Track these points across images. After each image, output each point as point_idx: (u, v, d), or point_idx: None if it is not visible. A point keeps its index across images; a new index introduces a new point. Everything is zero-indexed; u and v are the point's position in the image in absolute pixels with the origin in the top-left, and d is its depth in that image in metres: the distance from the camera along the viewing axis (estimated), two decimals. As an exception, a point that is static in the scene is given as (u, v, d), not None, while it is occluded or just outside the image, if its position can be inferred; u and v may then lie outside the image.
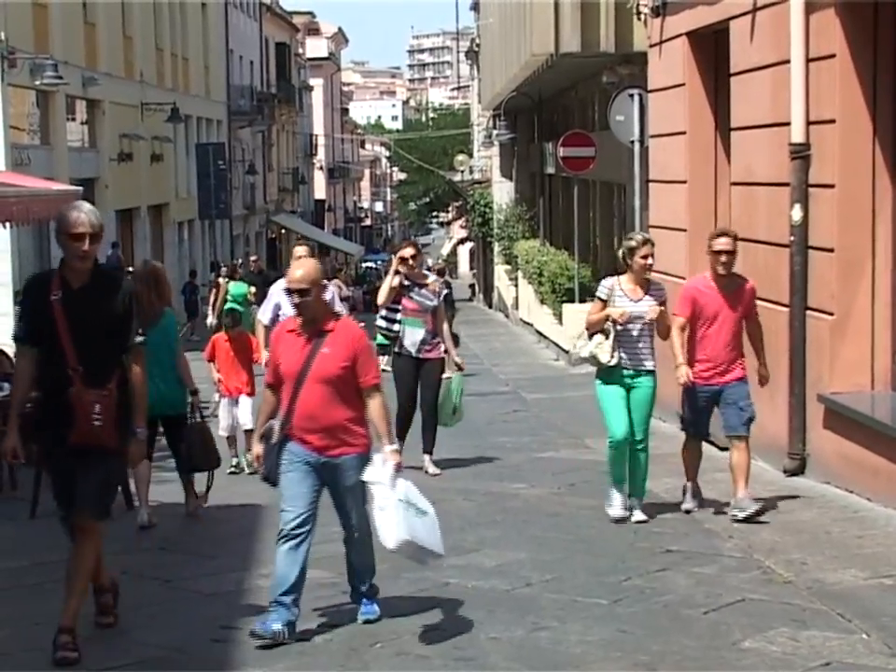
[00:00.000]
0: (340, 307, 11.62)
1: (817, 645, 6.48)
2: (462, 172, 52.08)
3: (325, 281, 7.10)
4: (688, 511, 9.56)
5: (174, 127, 34.75)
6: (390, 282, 11.56)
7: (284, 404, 6.81)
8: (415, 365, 11.57)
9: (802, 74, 10.47)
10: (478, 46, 44.59)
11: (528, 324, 29.28)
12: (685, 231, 13.77)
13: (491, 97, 35.27)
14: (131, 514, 10.00)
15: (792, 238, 10.64)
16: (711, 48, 13.33)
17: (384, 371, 25.11)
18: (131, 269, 22.82)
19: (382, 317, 11.78)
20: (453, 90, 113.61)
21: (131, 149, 31.55)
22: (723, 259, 9.22)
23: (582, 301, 22.57)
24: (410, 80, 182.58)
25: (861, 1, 9.89)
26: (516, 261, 31.07)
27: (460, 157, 54.03)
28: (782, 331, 10.63)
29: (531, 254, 27.82)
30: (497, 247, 37.12)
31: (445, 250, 66.92)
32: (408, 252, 11.55)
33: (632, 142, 18.09)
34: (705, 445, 12.42)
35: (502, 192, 38.05)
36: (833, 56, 10.05)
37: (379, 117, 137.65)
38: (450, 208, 69.98)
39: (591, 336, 9.31)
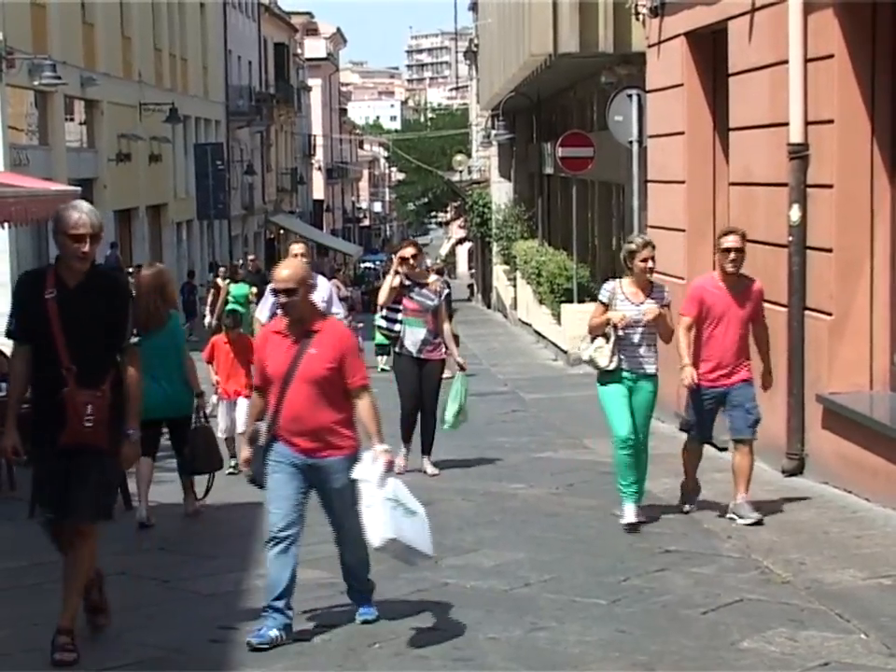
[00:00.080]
0: (338, 307, 11.63)
1: (815, 645, 6.48)
2: (461, 172, 52.09)
3: (311, 280, 7.00)
4: (686, 511, 9.54)
5: (172, 127, 34.77)
6: (390, 282, 11.51)
7: (271, 406, 6.76)
8: (417, 365, 11.52)
9: (800, 74, 10.48)
10: (476, 46, 44.61)
11: (527, 324, 29.29)
12: (683, 231, 13.78)
13: (489, 97, 35.27)
14: (129, 514, 10.00)
15: (791, 238, 10.64)
16: (710, 48, 13.33)
17: (383, 370, 25.08)
18: (131, 270, 22.92)
19: (383, 317, 11.73)
20: (451, 90, 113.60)
21: (129, 150, 31.55)
22: (732, 256, 9.12)
23: (581, 301, 22.60)
24: (408, 80, 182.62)
25: (860, 1, 9.89)
26: (515, 261, 31.09)
27: (459, 157, 54.03)
28: (781, 332, 10.63)
29: (530, 254, 27.83)
30: (495, 247, 37.13)
31: (444, 250, 66.90)
32: (408, 252, 11.51)
33: (630, 142, 18.09)
34: (705, 447, 12.44)
35: (501, 192, 38.04)
36: (831, 56, 10.06)
37: (377, 117, 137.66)
38: (448, 208, 70.04)
39: (593, 339, 9.21)
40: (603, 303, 9.16)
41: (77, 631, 6.47)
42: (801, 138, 10.51)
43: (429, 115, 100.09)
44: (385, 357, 23.88)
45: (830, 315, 10.19)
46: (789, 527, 9.01)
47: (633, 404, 9.15)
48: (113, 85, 30.26)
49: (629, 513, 9.05)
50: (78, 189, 16.15)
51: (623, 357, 9.07)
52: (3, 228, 15.41)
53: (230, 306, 20.88)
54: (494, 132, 36.13)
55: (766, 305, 9.91)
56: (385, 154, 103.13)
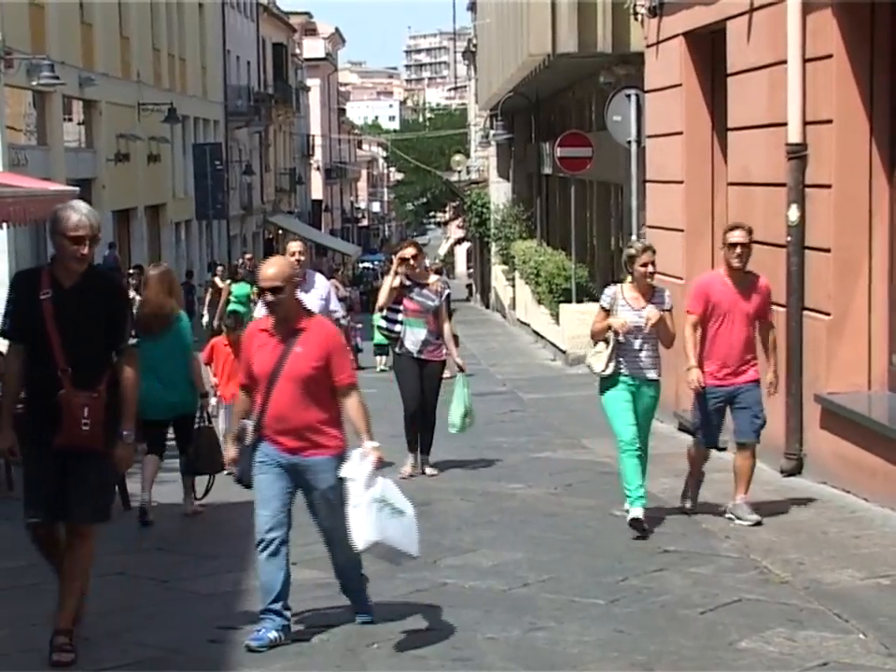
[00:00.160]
0: (336, 305, 11.59)
1: (814, 645, 6.49)
2: (459, 172, 52.09)
3: (298, 278, 6.92)
4: (687, 510, 9.50)
5: (171, 127, 34.77)
6: (390, 283, 11.42)
7: (257, 405, 6.71)
8: (418, 365, 11.44)
9: (799, 74, 10.48)
10: (475, 46, 44.60)
11: (525, 324, 29.29)
12: (682, 231, 13.78)
13: (488, 97, 35.26)
14: (128, 514, 10.01)
15: (789, 238, 10.64)
16: (708, 48, 13.33)
17: (382, 371, 25.03)
18: (132, 271, 22.90)
19: (383, 318, 11.63)
20: (450, 90, 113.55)
21: (128, 150, 31.55)
22: (738, 251, 9.04)
23: (579, 301, 22.60)
24: (407, 81, 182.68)
25: (858, 1, 9.90)
26: (513, 262, 31.08)
27: (457, 157, 54.03)
28: (779, 332, 10.61)
29: (528, 254, 27.82)
30: (494, 248, 37.10)
31: (442, 250, 66.91)
32: (409, 252, 11.42)
33: (629, 142, 18.08)
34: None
35: (499, 192, 38.03)
36: (829, 56, 10.06)
37: (376, 117, 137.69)
38: (447, 208, 70.00)
39: (595, 344, 9.15)
40: (604, 309, 9.08)
41: (75, 631, 6.47)
42: (799, 138, 10.51)
43: (428, 115, 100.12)
44: (383, 358, 23.93)
45: (828, 315, 10.19)
46: (787, 527, 9.02)
47: (634, 409, 9.05)
48: (111, 85, 30.25)
49: (636, 513, 8.92)
50: (77, 189, 16.13)
51: (624, 362, 8.99)
52: (1, 228, 15.41)
53: (231, 306, 20.86)
54: (492, 132, 36.11)
55: (765, 305, 9.87)
56: (384, 154, 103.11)
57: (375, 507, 6.49)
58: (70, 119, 28.61)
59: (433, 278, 11.70)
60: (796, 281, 10.58)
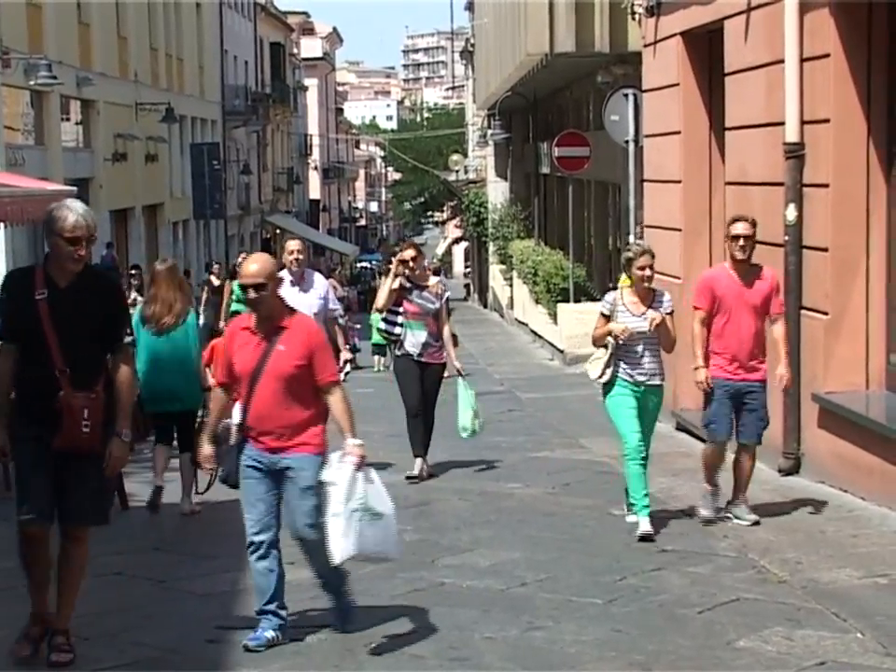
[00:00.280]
0: (335, 304, 11.56)
1: (811, 644, 6.49)
2: (457, 172, 52.07)
3: (280, 275, 6.83)
4: (708, 521, 9.17)
5: (168, 127, 34.74)
6: (390, 285, 11.30)
7: (241, 404, 6.65)
8: (418, 367, 11.31)
9: (796, 73, 10.48)
10: (472, 46, 44.58)
11: (523, 324, 29.28)
12: (680, 230, 13.78)
13: (486, 97, 35.26)
14: (126, 515, 10.02)
15: (787, 238, 10.65)
16: (706, 47, 13.34)
17: (379, 370, 24.91)
18: (134, 272, 22.88)
19: (383, 320, 11.53)
20: (447, 89, 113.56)
21: (125, 149, 31.53)
22: (741, 242, 8.95)
23: (577, 300, 22.61)
24: (404, 80, 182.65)
25: (856, 1, 9.90)
26: (511, 261, 31.07)
27: (455, 157, 54.03)
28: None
29: (526, 254, 27.82)
30: (491, 247, 37.10)
31: (440, 250, 66.93)
32: (408, 254, 11.30)
33: (626, 142, 18.09)
34: (699, 445, 12.43)
35: (497, 192, 38.03)
36: (827, 56, 10.06)
37: (374, 117, 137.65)
38: (445, 208, 70.00)
39: (598, 350, 9.07)
40: (604, 315, 9.00)
41: (74, 631, 6.47)
42: (797, 138, 10.52)
43: (426, 115, 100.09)
44: (381, 358, 23.93)
45: (826, 314, 10.20)
46: (785, 527, 9.02)
47: (638, 414, 8.95)
48: (109, 85, 30.23)
49: (644, 524, 8.79)
50: (74, 188, 16.12)
51: (626, 368, 8.91)
52: (-1, 228, 15.40)
53: (234, 306, 20.84)
54: (490, 131, 36.12)
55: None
56: (382, 154, 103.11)
57: (356, 517, 6.40)
58: (67, 119, 28.59)
59: (433, 280, 11.60)
60: (794, 280, 10.58)
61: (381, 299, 11.46)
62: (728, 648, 6.47)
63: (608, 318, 8.98)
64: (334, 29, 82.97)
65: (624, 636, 6.70)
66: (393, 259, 11.99)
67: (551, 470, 11.85)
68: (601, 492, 10.52)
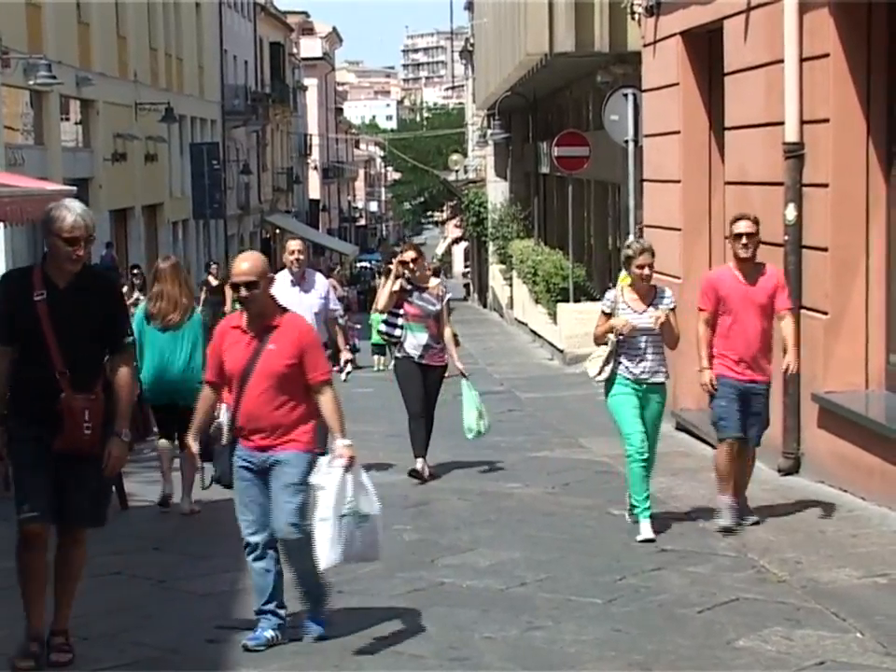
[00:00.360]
0: (336, 304, 11.54)
1: (811, 644, 6.49)
2: (457, 171, 52.06)
3: (272, 273, 6.77)
4: (727, 530, 8.88)
5: (168, 127, 34.76)
6: (390, 287, 11.22)
7: (231, 403, 6.62)
8: (419, 369, 11.24)
9: (795, 73, 10.48)
10: (472, 45, 44.58)
11: (523, 323, 29.28)
12: (679, 230, 13.78)
13: (485, 97, 35.26)
14: (125, 514, 10.01)
15: (786, 237, 10.65)
16: (705, 47, 13.34)
17: (379, 370, 24.88)
18: (135, 270, 22.88)
19: (384, 322, 11.48)
20: (447, 89, 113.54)
21: (125, 149, 31.54)
22: (744, 241, 8.87)
23: (577, 300, 22.61)
24: (404, 80, 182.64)
25: (855, 1, 9.90)
26: (511, 261, 31.07)
27: (455, 156, 54.03)
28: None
29: (526, 253, 27.82)
30: (491, 247, 37.10)
31: (440, 250, 66.93)
32: (408, 256, 11.23)
33: (626, 141, 18.08)
34: (699, 445, 12.45)
35: (497, 192, 38.03)
36: (826, 55, 10.06)
37: (373, 116, 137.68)
38: (444, 208, 70.03)
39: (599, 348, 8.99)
40: (605, 314, 8.94)
41: (73, 631, 6.47)
42: (796, 137, 10.52)
43: (425, 114, 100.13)
44: (381, 357, 23.94)
45: (825, 314, 10.19)
46: (785, 527, 9.02)
47: (641, 415, 8.89)
48: (108, 85, 30.24)
49: (645, 529, 8.75)
50: (74, 188, 16.12)
51: (628, 366, 8.84)
52: (-2, 227, 15.40)
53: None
54: (490, 131, 36.12)
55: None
56: (381, 154, 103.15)
57: (344, 521, 6.37)
58: (67, 119, 28.59)
59: (434, 282, 11.55)
60: (793, 280, 10.56)
61: (381, 301, 11.39)
62: (728, 647, 6.47)
63: (609, 316, 8.92)
64: (334, 29, 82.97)
65: (624, 635, 6.70)
66: (393, 259, 11.93)
67: (550, 470, 11.85)
68: (601, 492, 10.52)
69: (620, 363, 8.90)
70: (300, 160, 67.92)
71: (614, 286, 10.63)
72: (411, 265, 11.20)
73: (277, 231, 56.57)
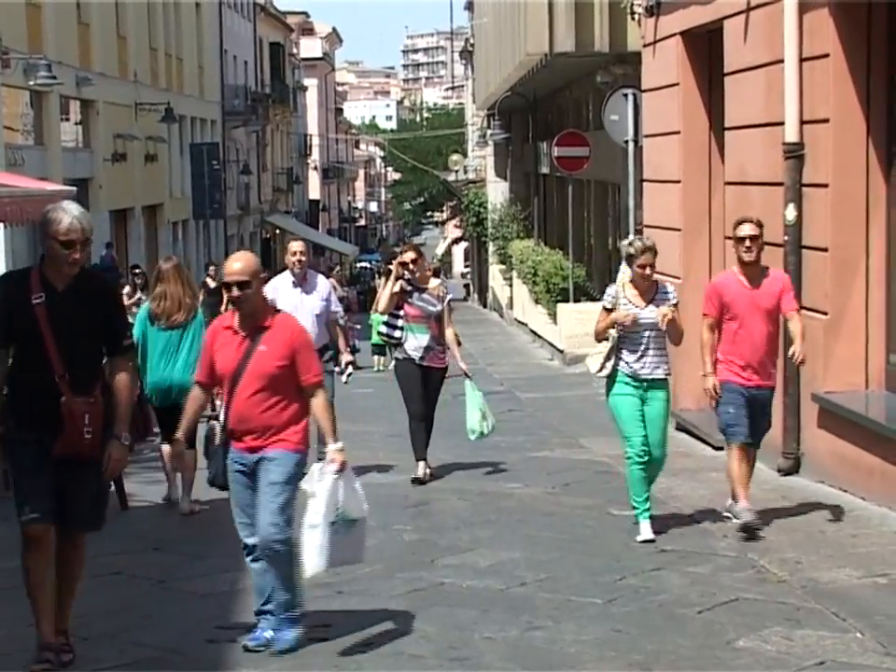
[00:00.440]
0: (337, 306, 11.50)
1: (811, 644, 6.49)
2: (456, 172, 52.08)
3: (264, 273, 6.83)
4: (749, 529, 8.69)
5: (168, 127, 34.75)
6: (391, 288, 11.15)
7: (224, 404, 6.60)
8: (420, 371, 11.17)
9: (795, 73, 10.48)
10: (472, 46, 44.59)
11: (523, 324, 29.28)
12: (679, 230, 13.77)
13: (485, 97, 35.26)
14: (125, 514, 10.02)
15: (786, 237, 10.64)
16: (705, 47, 13.34)
17: (379, 370, 24.87)
18: (137, 271, 22.87)
19: (384, 323, 11.44)
20: (447, 89, 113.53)
21: (125, 149, 31.54)
22: (747, 244, 8.81)
23: (577, 300, 22.60)
24: (404, 80, 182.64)
25: (855, 1, 9.90)
26: (511, 261, 31.07)
27: (455, 157, 54.04)
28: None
29: (526, 254, 27.82)
30: (491, 247, 37.10)
31: (440, 250, 66.94)
32: (408, 257, 11.16)
33: (626, 141, 18.09)
34: (699, 445, 12.45)
35: (497, 192, 38.03)
36: (826, 56, 10.06)
37: (373, 117, 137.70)
38: (444, 208, 70.06)
39: (599, 344, 8.91)
40: (606, 309, 8.85)
41: (72, 631, 6.47)
42: (796, 137, 10.52)
43: (425, 115, 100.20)
44: (381, 358, 23.94)
45: (825, 314, 10.19)
46: (784, 526, 9.01)
47: (645, 415, 8.82)
48: (108, 85, 30.24)
49: (645, 530, 8.74)
50: (74, 188, 16.12)
51: (629, 362, 8.76)
52: (-2, 228, 15.40)
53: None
54: (490, 131, 36.13)
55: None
56: (381, 154, 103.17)
57: (332, 530, 6.36)
58: (67, 119, 28.59)
59: (434, 282, 11.48)
60: (793, 280, 10.52)
61: (382, 303, 11.34)
62: (727, 648, 6.47)
63: (610, 312, 8.81)
64: (334, 29, 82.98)
65: (624, 635, 6.70)
66: (392, 259, 11.88)
67: (550, 470, 11.85)
68: (601, 492, 10.52)
69: (620, 359, 8.82)
70: (299, 160, 67.93)
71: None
72: (410, 266, 11.14)
73: (277, 231, 56.58)
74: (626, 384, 8.83)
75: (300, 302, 11.02)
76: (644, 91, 15.42)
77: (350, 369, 11.62)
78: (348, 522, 6.48)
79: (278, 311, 6.72)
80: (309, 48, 73.93)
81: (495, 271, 37.00)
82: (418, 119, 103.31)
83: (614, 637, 6.68)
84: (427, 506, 10.31)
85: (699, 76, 13.57)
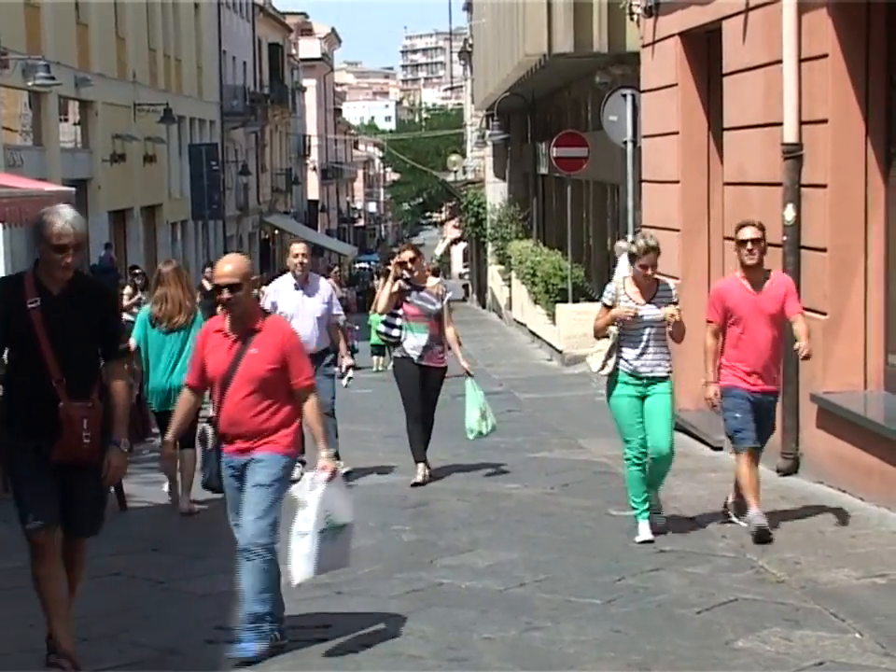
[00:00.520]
0: (339, 309, 11.45)
1: (810, 644, 6.50)
2: (455, 172, 52.08)
3: (255, 276, 6.72)
4: (762, 531, 8.60)
5: (166, 128, 34.74)
6: (389, 288, 11.12)
7: (215, 407, 6.57)
8: (419, 370, 11.14)
9: (794, 74, 10.48)
10: (471, 46, 44.60)
11: (522, 324, 29.29)
12: (678, 231, 13.78)
13: (484, 97, 35.27)
14: (123, 515, 10.01)
15: (785, 238, 10.65)
16: (704, 48, 13.34)
17: (378, 371, 24.86)
18: (138, 271, 22.87)
19: (382, 322, 11.40)
20: (446, 90, 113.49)
21: (123, 150, 31.53)
22: (749, 246, 8.76)
23: (576, 301, 22.60)
24: (403, 81, 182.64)
25: (854, 1, 9.91)
26: (510, 262, 31.07)
27: (453, 157, 54.04)
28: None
29: (524, 254, 27.83)
30: (490, 248, 37.10)
31: (439, 251, 66.96)
32: (406, 256, 11.14)
33: (625, 142, 18.10)
34: (697, 445, 12.45)
35: (495, 193, 38.04)
36: (825, 56, 10.07)
37: (372, 117, 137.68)
38: (443, 208, 70.08)
39: (599, 341, 8.84)
40: (606, 306, 8.80)
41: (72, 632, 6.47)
42: (795, 138, 10.52)
43: (424, 115, 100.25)
44: (380, 358, 23.94)
45: (824, 314, 10.20)
46: (783, 527, 9.00)
47: (648, 412, 8.73)
48: (107, 85, 30.24)
49: (644, 531, 8.72)
50: (73, 189, 16.14)
51: (629, 361, 8.70)
52: (-3, 229, 15.40)
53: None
54: (488, 132, 36.13)
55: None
56: (380, 154, 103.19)
57: (319, 538, 6.36)
58: (66, 120, 28.58)
59: (433, 281, 11.46)
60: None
61: (381, 304, 11.31)
62: (726, 648, 6.47)
63: (610, 309, 8.75)
64: (332, 30, 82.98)
65: (623, 636, 6.70)
66: (391, 260, 11.84)
67: (549, 471, 11.85)
68: (600, 492, 10.52)
69: (621, 357, 8.74)
70: (298, 160, 67.93)
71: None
72: (409, 265, 11.11)
73: (276, 231, 56.60)
74: (626, 383, 8.76)
75: (301, 305, 11.01)
76: (643, 91, 15.42)
77: (351, 372, 11.61)
78: (336, 528, 6.47)
79: (269, 313, 6.71)
80: (308, 48, 73.94)
81: (493, 271, 37.00)
82: (417, 119, 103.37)
83: (613, 637, 6.69)
84: (426, 506, 10.31)
85: (698, 76, 13.57)
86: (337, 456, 11.05)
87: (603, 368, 8.79)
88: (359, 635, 6.76)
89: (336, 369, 11.41)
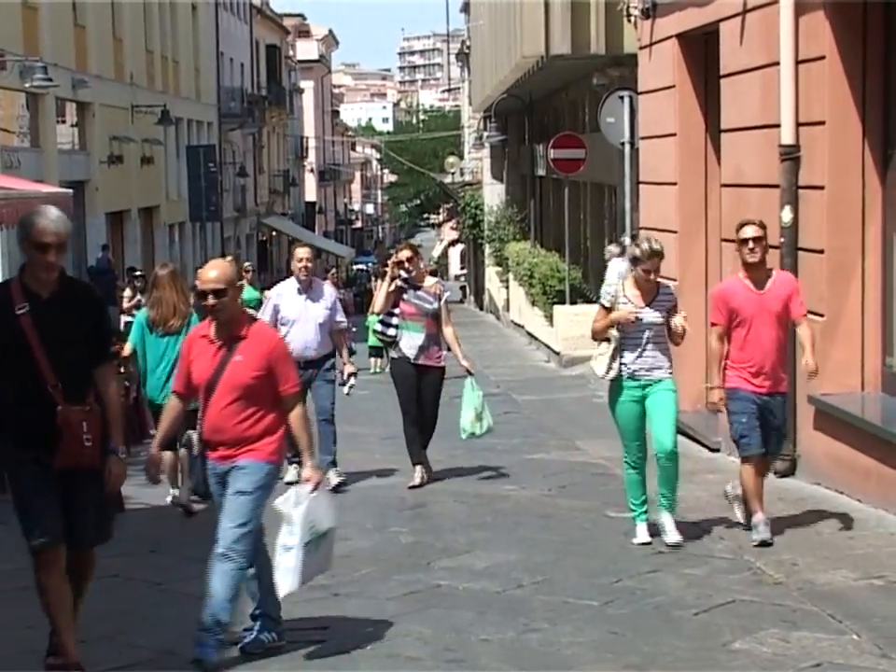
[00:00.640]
0: (342, 315, 11.35)
1: (807, 646, 6.50)
2: (453, 174, 52.08)
3: (240, 282, 6.77)
4: (765, 544, 8.52)
5: (164, 129, 34.72)
6: (386, 287, 11.07)
7: (200, 414, 6.54)
8: (415, 371, 11.06)
9: (791, 75, 10.49)
10: (468, 48, 44.63)
11: (519, 326, 29.29)
12: (675, 232, 13.77)
13: (482, 99, 35.29)
14: (122, 517, 9.98)
15: (782, 240, 10.65)
16: (701, 49, 13.35)
17: (375, 373, 24.79)
18: (138, 272, 22.87)
19: (379, 321, 11.34)
20: (443, 92, 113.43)
21: (121, 152, 31.54)
22: (751, 245, 8.69)
23: (573, 302, 22.61)
24: (400, 82, 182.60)
25: (851, 3, 9.92)
26: (507, 263, 31.08)
27: (451, 159, 54.02)
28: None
29: (522, 256, 27.83)
30: (487, 249, 37.11)
31: (436, 252, 66.94)
32: (404, 255, 11.09)
33: (622, 144, 18.11)
34: (695, 447, 12.45)
35: (493, 194, 38.05)
36: (822, 58, 10.08)
37: (370, 119, 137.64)
38: (441, 210, 70.05)
39: (599, 345, 8.77)
40: (605, 307, 8.73)
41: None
42: (792, 139, 10.53)
43: (421, 117, 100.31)
44: (378, 360, 23.92)
45: (821, 316, 10.20)
46: (781, 528, 9.01)
47: (650, 410, 8.65)
48: (104, 87, 30.24)
49: (642, 533, 8.71)
50: (70, 191, 16.12)
51: (629, 363, 8.63)
52: (-6, 230, 15.37)
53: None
54: (486, 133, 36.14)
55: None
56: (378, 156, 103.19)
57: (304, 550, 6.34)
58: (63, 121, 28.59)
59: (430, 280, 11.41)
60: (789, 282, 10.58)
61: (378, 303, 11.26)
62: (724, 649, 6.48)
63: (609, 311, 8.69)
64: (330, 31, 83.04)
65: (620, 637, 6.70)
66: (388, 261, 11.81)
67: (547, 472, 11.85)
68: (597, 494, 10.52)
69: (620, 359, 8.67)
70: (296, 162, 67.95)
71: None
72: (406, 264, 11.06)
73: (274, 233, 56.62)
74: (626, 387, 8.70)
75: (304, 309, 10.97)
76: (640, 93, 15.42)
77: (352, 381, 11.48)
78: (320, 536, 6.45)
79: (255, 320, 6.66)
80: (305, 50, 73.98)
81: (491, 273, 37.02)
82: (414, 121, 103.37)
83: (610, 638, 6.69)
84: (424, 508, 10.31)
85: (695, 78, 13.57)
86: (335, 464, 11.10)
87: (608, 372, 8.68)
88: (357, 636, 6.76)
89: (336, 373, 11.35)
